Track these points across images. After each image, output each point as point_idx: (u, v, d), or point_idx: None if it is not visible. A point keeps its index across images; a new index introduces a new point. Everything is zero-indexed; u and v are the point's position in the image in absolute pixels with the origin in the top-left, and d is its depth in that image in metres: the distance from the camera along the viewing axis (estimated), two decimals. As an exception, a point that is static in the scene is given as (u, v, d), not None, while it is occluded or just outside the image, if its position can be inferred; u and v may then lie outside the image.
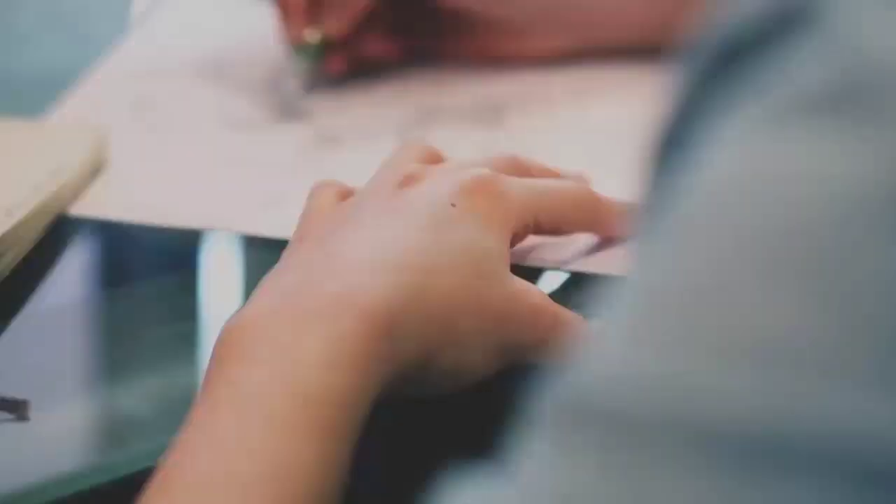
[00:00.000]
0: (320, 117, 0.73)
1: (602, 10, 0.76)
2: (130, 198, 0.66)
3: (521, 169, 0.59)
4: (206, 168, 0.69)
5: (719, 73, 0.32)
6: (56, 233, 0.63)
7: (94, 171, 0.67)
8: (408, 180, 0.55)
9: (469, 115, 0.73)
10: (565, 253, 0.59)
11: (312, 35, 0.74)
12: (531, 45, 0.77)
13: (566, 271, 0.59)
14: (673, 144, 0.33)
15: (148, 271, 0.67)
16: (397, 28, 0.77)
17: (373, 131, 0.72)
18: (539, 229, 0.56)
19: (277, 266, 0.53)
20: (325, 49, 0.74)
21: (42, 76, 0.81)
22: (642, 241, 0.32)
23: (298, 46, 0.74)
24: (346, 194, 0.58)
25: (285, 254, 0.54)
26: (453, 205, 0.53)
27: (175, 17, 0.83)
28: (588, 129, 0.72)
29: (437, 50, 0.78)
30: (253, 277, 0.62)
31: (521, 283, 0.53)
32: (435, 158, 0.59)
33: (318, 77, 0.75)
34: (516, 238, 0.55)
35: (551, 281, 0.59)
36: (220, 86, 0.76)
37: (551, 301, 0.53)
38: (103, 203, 0.66)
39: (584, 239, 0.60)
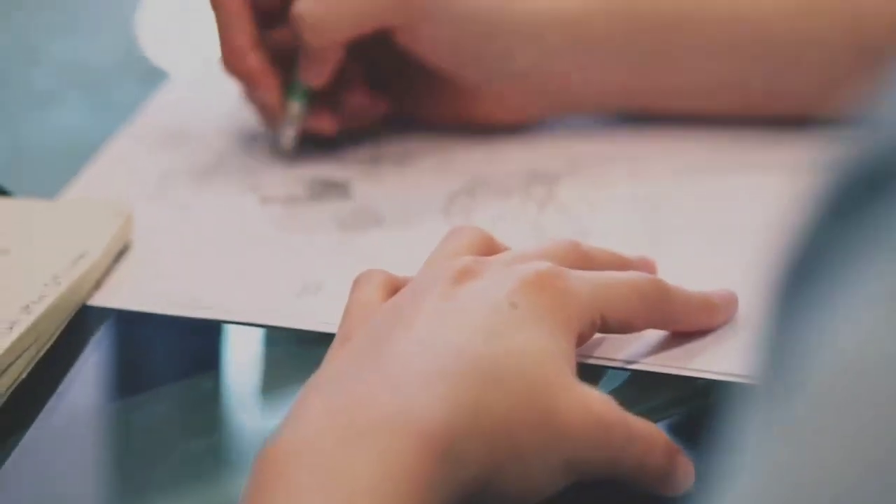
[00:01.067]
0: (359, 192, 0.69)
1: (580, 76, 0.71)
2: (155, 285, 0.61)
3: (582, 258, 0.54)
4: (237, 249, 0.64)
5: (862, 201, 0.27)
6: (75, 324, 0.59)
7: (118, 254, 0.62)
8: (462, 276, 0.50)
9: (518, 187, 0.69)
10: (633, 350, 0.55)
11: (293, 100, 0.70)
12: (508, 110, 0.73)
13: (634, 370, 0.54)
14: (802, 279, 0.28)
15: (172, 371, 0.61)
16: (375, 85, 0.73)
17: (416, 208, 0.67)
18: (605, 328, 0.51)
19: (320, 371, 0.48)
20: (309, 110, 0.70)
21: (62, 142, 0.77)
22: (764, 412, 0.27)
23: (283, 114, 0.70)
24: (393, 286, 0.54)
25: (328, 356, 0.49)
26: (513, 305, 0.48)
27: (204, 81, 0.79)
28: (646, 203, 0.67)
29: (413, 111, 0.74)
30: (291, 377, 0.58)
31: (589, 393, 0.48)
32: (489, 247, 0.55)
33: (302, 138, 0.71)
34: (581, 339, 0.50)
35: (617, 381, 0.54)
36: (251, 156, 0.72)
37: (622, 410, 0.48)
38: (126, 292, 0.61)
39: (653, 335, 0.55)
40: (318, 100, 0.70)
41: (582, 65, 0.70)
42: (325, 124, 0.71)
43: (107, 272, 0.61)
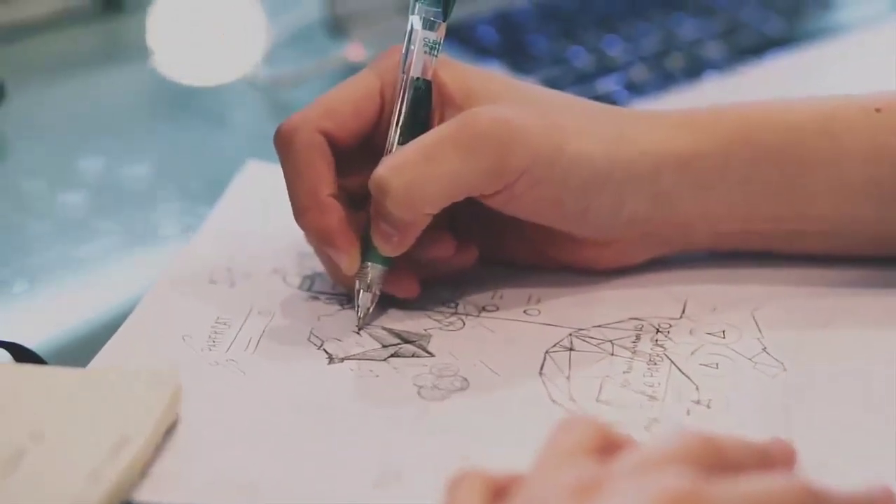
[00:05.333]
0: (439, 348, 0.60)
1: (698, 216, 0.62)
2: (207, 472, 0.52)
3: (716, 456, 0.46)
4: (301, 425, 0.55)
5: None
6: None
7: (165, 435, 0.54)
8: (584, 493, 0.42)
9: (623, 341, 0.60)
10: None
11: (370, 265, 0.60)
12: (613, 257, 0.64)
13: None
14: None
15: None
16: (460, 233, 0.63)
17: (506, 368, 0.59)
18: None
19: None
20: (386, 273, 0.61)
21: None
22: None
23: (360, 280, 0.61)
24: (496, 490, 0.46)
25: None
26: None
27: (255, 207, 0.71)
28: (774, 360, 0.59)
29: (503, 257, 0.65)
30: None
31: None
32: (610, 443, 0.47)
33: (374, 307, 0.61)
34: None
35: None
36: (313, 299, 0.63)
37: None
38: (174, 482, 0.52)
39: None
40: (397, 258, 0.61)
41: (700, 204, 0.61)
42: (406, 288, 0.62)
43: (152, 459, 0.53)
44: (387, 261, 0.60)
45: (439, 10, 0.60)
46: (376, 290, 0.61)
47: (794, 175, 0.61)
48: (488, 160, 0.58)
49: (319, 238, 0.60)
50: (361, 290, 0.61)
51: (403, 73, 0.60)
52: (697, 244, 0.64)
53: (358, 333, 0.61)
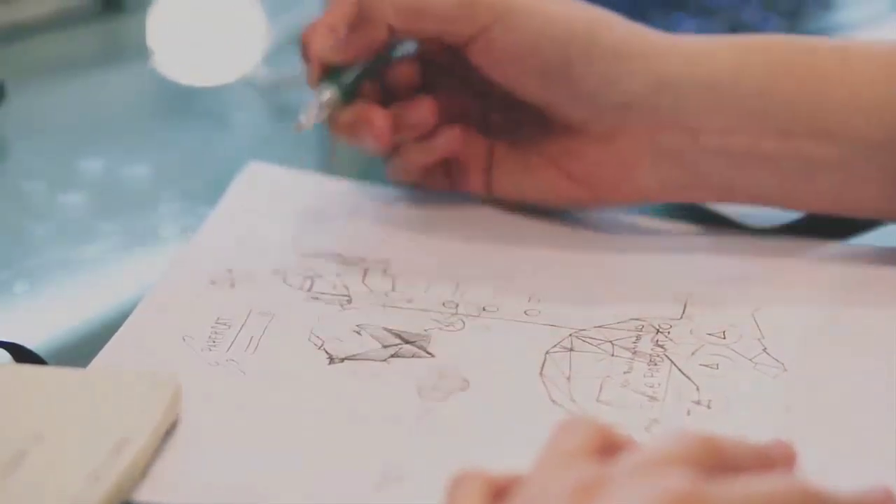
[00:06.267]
0: (440, 348, 0.60)
1: (715, 121, 0.63)
2: (207, 473, 0.52)
3: (717, 457, 0.46)
4: (302, 425, 0.55)
5: None
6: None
7: (165, 435, 0.54)
8: (584, 495, 0.42)
9: (623, 341, 0.60)
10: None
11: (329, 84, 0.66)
12: (619, 179, 0.65)
13: None
14: None
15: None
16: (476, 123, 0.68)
17: (506, 368, 0.59)
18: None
19: None
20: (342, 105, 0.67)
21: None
22: None
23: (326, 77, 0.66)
24: (496, 490, 0.45)
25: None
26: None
27: (254, 210, 0.71)
28: (775, 360, 0.59)
29: (512, 192, 0.68)
30: None
31: None
32: (610, 444, 0.46)
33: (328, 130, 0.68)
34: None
35: None
36: (314, 299, 0.63)
37: None
38: (174, 483, 0.52)
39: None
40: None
41: (709, 107, 0.62)
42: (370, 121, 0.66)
43: (151, 460, 0.52)
44: (346, 94, 0.66)
45: None
46: (323, 114, 0.66)
47: (807, 88, 0.61)
48: None
49: (304, 41, 0.66)
50: (313, 105, 0.66)
51: None
52: (705, 168, 0.63)
53: (297, 131, 0.66)
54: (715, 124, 0.62)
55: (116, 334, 0.60)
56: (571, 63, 0.61)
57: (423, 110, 0.67)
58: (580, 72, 0.61)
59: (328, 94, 0.66)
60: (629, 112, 0.62)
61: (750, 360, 0.59)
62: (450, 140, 0.67)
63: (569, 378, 0.58)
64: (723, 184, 0.63)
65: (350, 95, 0.67)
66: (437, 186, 0.69)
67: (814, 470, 0.49)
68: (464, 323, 0.62)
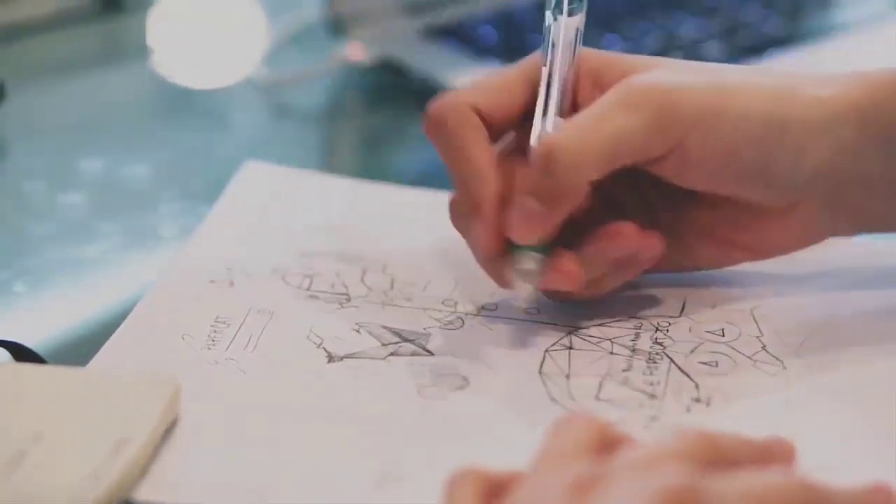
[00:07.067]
0: (438, 346, 0.60)
1: (887, 173, 0.58)
2: (206, 473, 0.52)
3: (715, 453, 0.46)
4: (302, 423, 0.55)
5: None
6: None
7: (164, 435, 0.54)
8: (581, 491, 0.42)
9: (623, 339, 0.60)
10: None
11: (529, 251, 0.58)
12: (794, 233, 0.61)
13: None
14: None
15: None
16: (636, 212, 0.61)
17: (506, 366, 0.59)
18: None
19: None
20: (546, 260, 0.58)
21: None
22: None
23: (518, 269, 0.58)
24: (495, 488, 0.46)
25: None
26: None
27: (254, 208, 0.71)
28: (774, 356, 0.59)
29: (681, 260, 0.62)
30: None
31: None
32: (606, 440, 0.46)
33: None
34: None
35: None
36: (312, 297, 0.63)
37: None
38: (173, 483, 0.52)
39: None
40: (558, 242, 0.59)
41: (882, 160, 0.58)
42: (568, 276, 0.58)
43: (151, 459, 0.53)
44: (542, 247, 0.58)
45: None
46: (536, 280, 0.58)
47: None
48: (654, 114, 0.56)
49: (473, 208, 0.58)
50: (519, 279, 0.58)
51: (545, 65, 0.60)
52: (877, 214, 0.60)
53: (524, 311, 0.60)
54: (886, 176, 0.60)
55: (116, 333, 0.60)
56: (771, 156, 0.58)
57: (629, 241, 0.60)
58: (775, 158, 0.58)
59: (531, 263, 0.58)
60: (816, 180, 0.59)
61: (749, 357, 0.59)
62: (651, 248, 0.60)
63: (568, 376, 0.58)
64: (891, 219, 0.61)
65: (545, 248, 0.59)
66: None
67: (812, 467, 0.49)
68: (463, 321, 0.62)
